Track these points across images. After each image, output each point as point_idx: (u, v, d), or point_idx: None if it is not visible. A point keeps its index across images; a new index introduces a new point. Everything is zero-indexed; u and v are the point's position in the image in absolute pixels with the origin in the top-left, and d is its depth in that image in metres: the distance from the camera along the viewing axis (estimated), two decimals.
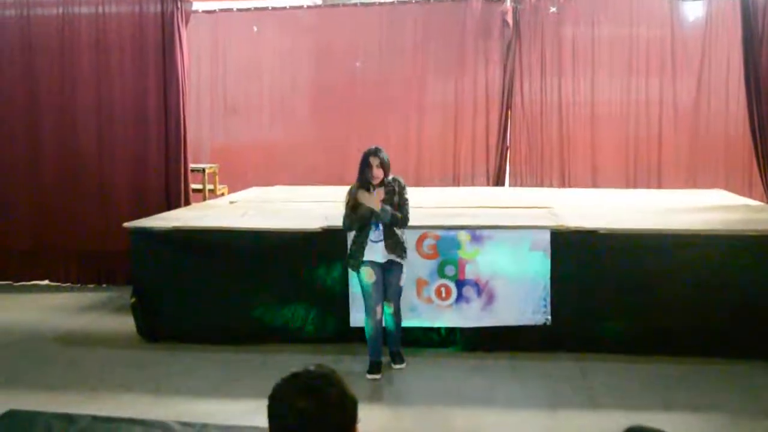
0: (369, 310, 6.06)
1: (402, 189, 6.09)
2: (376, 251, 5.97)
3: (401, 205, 6.02)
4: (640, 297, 6.43)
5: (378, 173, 5.96)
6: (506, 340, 6.59)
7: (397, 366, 6.21)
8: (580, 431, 5.21)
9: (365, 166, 5.99)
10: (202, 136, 10.97)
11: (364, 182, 6.00)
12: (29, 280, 9.59)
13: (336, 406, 1.94)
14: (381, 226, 5.96)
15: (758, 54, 8.49)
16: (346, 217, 6.01)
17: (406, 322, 6.44)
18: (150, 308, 7.04)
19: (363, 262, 5.99)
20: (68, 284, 9.48)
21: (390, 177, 6.08)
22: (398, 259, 6.02)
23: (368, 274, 6.00)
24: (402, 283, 6.15)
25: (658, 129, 10.26)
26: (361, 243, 6.00)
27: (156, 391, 5.84)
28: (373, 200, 5.88)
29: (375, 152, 6.02)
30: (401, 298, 6.22)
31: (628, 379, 5.95)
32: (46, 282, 9.58)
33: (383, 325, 6.13)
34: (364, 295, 6.11)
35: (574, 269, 6.50)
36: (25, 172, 9.53)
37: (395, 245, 5.99)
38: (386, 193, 5.96)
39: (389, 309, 6.11)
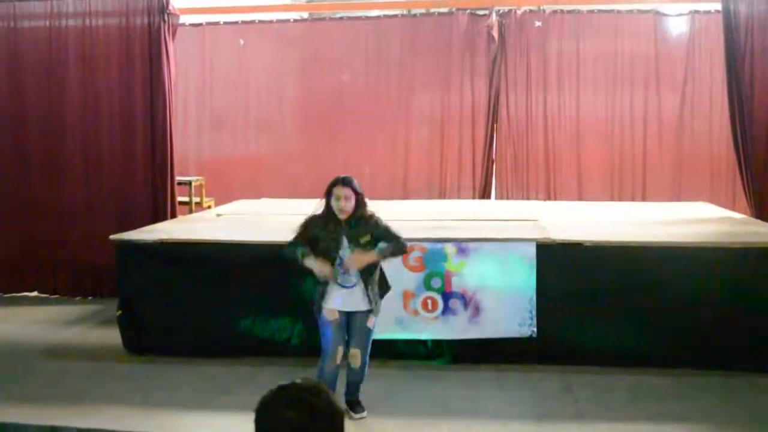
0: (326, 354, 5.35)
1: (380, 221, 5.36)
2: (345, 298, 5.35)
3: (386, 234, 5.31)
4: (626, 309, 6.47)
5: (347, 206, 5.23)
6: (492, 353, 6.61)
7: (358, 416, 5.47)
8: None
9: (329, 197, 5.29)
10: (189, 149, 10.97)
11: (328, 216, 5.32)
12: (19, 292, 9.56)
13: (323, 417, 1.96)
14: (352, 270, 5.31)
15: (741, 69, 8.57)
16: (292, 246, 5.40)
17: (392, 335, 6.45)
18: (136, 321, 7.03)
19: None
20: (56, 296, 9.44)
21: (368, 212, 5.36)
22: (371, 305, 5.37)
23: (330, 312, 5.35)
24: (371, 324, 5.42)
25: (642, 142, 10.34)
26: (325, 288, 5.37)
27: (142, 404, 5.82)
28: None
29: (343, 181, 5.27)
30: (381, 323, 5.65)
31: (614, 391, 5.98)
32: (35, 293, 9.55)
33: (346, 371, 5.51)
34: (323, 336, 5.41)
35: (559, 282, 6.53)
36: (12, 185, 9.51)
37: (373, 289, 5.38)
38: (365, 231, 5.31)
39: (353, 362, 5.40)
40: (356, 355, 5.40)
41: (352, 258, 5.26)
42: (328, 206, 5.32)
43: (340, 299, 5.35)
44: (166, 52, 9.07)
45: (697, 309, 6.40)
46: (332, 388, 5.19)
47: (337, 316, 5.34)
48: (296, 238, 5.42)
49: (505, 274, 6.58)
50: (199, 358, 6.77)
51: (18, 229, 9.45)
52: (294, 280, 6.65)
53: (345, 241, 5.30)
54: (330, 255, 5.29)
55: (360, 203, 5.30)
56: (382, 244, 5.29)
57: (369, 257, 5.27)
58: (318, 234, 5.35)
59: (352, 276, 5.33)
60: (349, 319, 5.40)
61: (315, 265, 5.28)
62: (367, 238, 5.30)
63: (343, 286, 5.34)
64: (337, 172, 10.54)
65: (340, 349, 5.37)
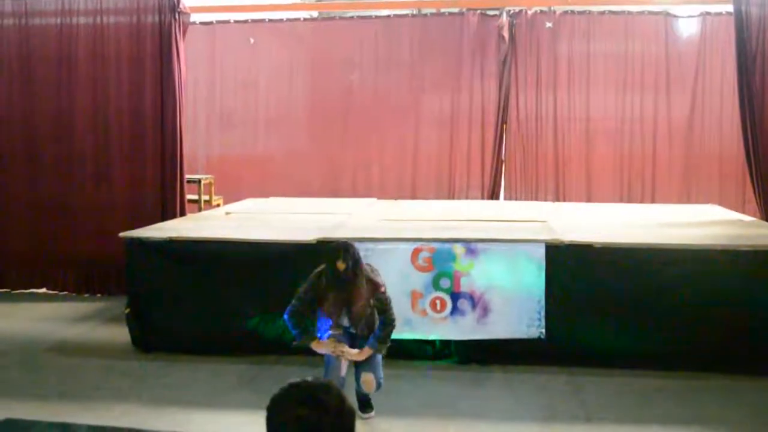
0: (328, 369, 5.35)
1: (383, 304, 5.36)
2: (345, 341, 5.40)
3: (384, 311, 5.36)
4: (635, 311, 6.45)
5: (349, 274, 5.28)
6: (500, 354, 6.60)
7: (366, 415, 5.51)
8: None
9: (333, 267, 5.25)
10: (198, 147, 10.99)
11: (331, 280, 5.29)
12: (26, 289, 9.57)
13: (335, 415, 1.96)
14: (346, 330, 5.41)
15: (752, 71, 8.54)
16: (294, 314, 5.41)
17: (401, 335, 6.41)
18: (145, 318, 7.04)
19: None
20: (65, 293, 9.46)
21: (364, 279, 5.31)
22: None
23: (330, 342, 5.38)
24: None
25: (652, 144, 10.32)
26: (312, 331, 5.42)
27: (150, 401, 5.83)
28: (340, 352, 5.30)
29: (344, 257, 5.23)
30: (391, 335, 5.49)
31: (622, 394, 5.97)
32: (43, 290, 9.56)
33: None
34: (325, 366, 5.39)
35: (568, 283, 6.52)
36: (22, 182, 9.53)
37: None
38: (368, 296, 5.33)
39: (367, 388, 5.39)
40: (369, 381, 5.38)
41: (349, 353, 5.32)
42: (330, 270, 5.30)
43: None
44: (177, 50, 9.08)
45: (706, 311, 6.38)
46: None
47: (331, 347, 5.35)
48: (297, 307, 5.44)
49: (513, 275, 6.57)
50: (207, 356, 6.78)
51: (27, 226, 9.48)
52: (303, 278, 6.65)
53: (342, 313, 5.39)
54: (333, 318, 5.40)
55: (357, 270, 5.29)
56: (373, 341, 5.34)
57: (367, 353, 5.33)
58: (321, 296, 5.38)
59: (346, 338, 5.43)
60: (353, 338, 5.44)
61: (327, 348, 5.35)
62: (368, 306, 5.36)
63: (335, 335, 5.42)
64: (346, 172, 10.68)
65: (344, 363, 5.36)
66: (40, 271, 9.56)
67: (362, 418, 5.45)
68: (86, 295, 9.38)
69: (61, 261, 9.46)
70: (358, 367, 5.41)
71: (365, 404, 5.56)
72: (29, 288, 9.59)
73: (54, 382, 6.29)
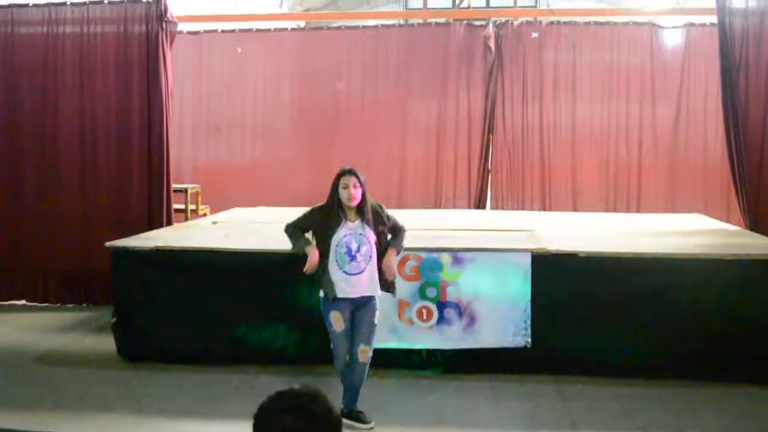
0: (337, 359, 5.53)
1: (385, 212, 5.62)
2: (352, 286, 5.40)
3: (395, 226, 5.67)
4: (620, 320, 6.48)
5: (356, 194, 5.36)
6: (487, 363, 6.61)
7: (367, 426, 5.46)
8: None
9: (338, 186, 5.41)
10: (185, 156, 10.98)
11: (334, 206, 5.42)
12: (6, 300, 9.46)
13: (322, 424, 1.96)
14: (360, 255, 5.37)
15: (736, 81, 8.61)
16: (291, 228, 5.56)
17: (387, 344, 6.43)
18: (131, 328, 7.01)
19: (334, 301, 5.40)
20: (46, 304, 9.36)
21: (372, 201, 5.55)
22: (378, 293, 5.51)
23: (336, 321, 5.40)
24: (377, 320, 5.52)
25: (637, 154, 10.39)
26: (330, 275, 5.40)
27: (136, 411, 5.81)
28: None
29: (349, 171, 5.44)
30: (376, 334, 5.57)
31: (607, 402, 5.98)
32: (22, 302, 9.45)
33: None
34: (332, 341, 5.51)
35: (554, 292, 6.54)
36: (5, 191, 9.47)
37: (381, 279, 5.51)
38: (377, 220, 5.51)
39: (362, 358, 5.43)
40: (366, 351, 5.45)
41: (388, 265, 5.51)
42: (332, 197, 5.45)
43: (346, 286, 5.40)
44: (164, 59, 9.07)
45: (691, 320, 6.42)
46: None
47: (343, 326, 5.40)
48: (298, 220, 5.57)
49: (500, 284, 6.59)
50: (194, 365, 6.75)
51: (11, 236, 9.39)
52: (290, 287, 6.66)
53: (344, 231, 5.39)
54: (328, 240, 5.38)
55: (364, 193, 5.46)
56: (394, 241, 5.62)
57: (393, 259, 5.56)
58: (321, 222, 5.46)
59: (360, 262, 5.38)
60: (355, 310, 5.44)
61: (309, 253, 5.41)
62: (380, 228, 5.53)
63: (349, 274, 5.39)
64: (332, 181, 10.62)
65: (346, 355, 5.46)
66: (20, 282, 9.46)
67: (364, 430, 5.43)
68: (71, 305, 9.29)
69: (45, 271, 9.37)
70: (356, 339, 5.44)
71: (361, 415, 5.48)
72: (9, 299, 9.46)
73: (39, 392, 6.25)
